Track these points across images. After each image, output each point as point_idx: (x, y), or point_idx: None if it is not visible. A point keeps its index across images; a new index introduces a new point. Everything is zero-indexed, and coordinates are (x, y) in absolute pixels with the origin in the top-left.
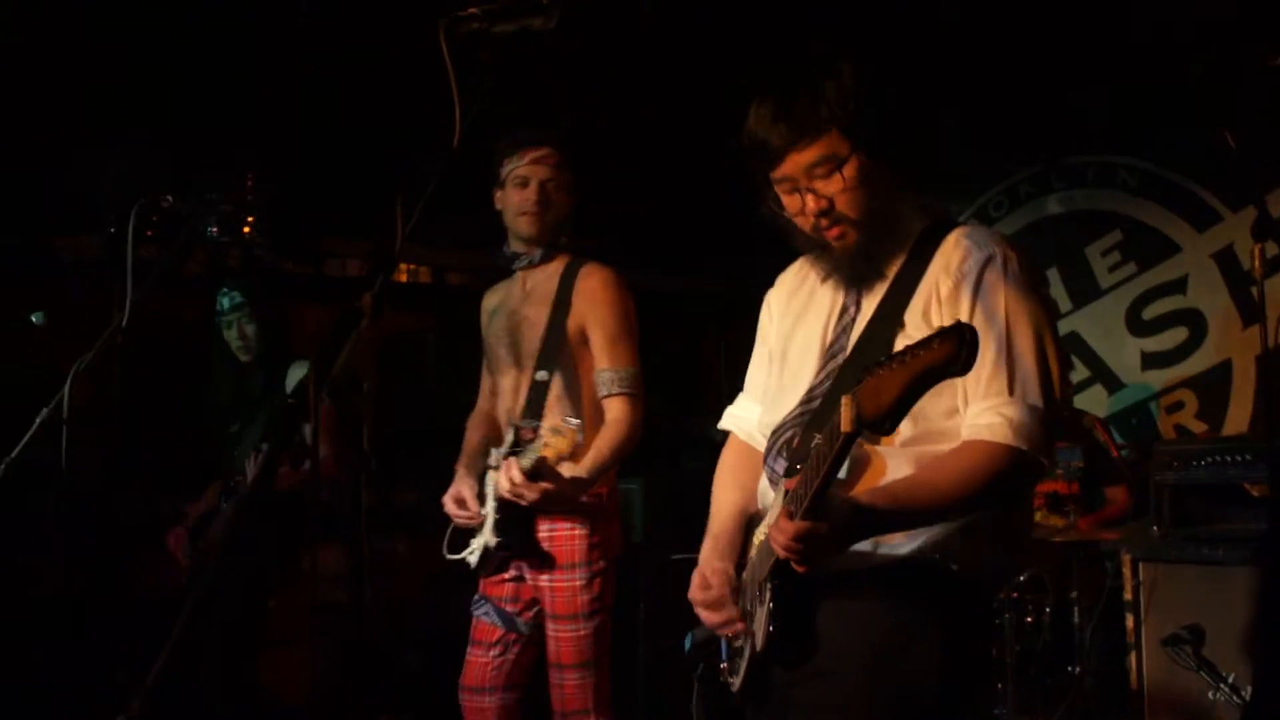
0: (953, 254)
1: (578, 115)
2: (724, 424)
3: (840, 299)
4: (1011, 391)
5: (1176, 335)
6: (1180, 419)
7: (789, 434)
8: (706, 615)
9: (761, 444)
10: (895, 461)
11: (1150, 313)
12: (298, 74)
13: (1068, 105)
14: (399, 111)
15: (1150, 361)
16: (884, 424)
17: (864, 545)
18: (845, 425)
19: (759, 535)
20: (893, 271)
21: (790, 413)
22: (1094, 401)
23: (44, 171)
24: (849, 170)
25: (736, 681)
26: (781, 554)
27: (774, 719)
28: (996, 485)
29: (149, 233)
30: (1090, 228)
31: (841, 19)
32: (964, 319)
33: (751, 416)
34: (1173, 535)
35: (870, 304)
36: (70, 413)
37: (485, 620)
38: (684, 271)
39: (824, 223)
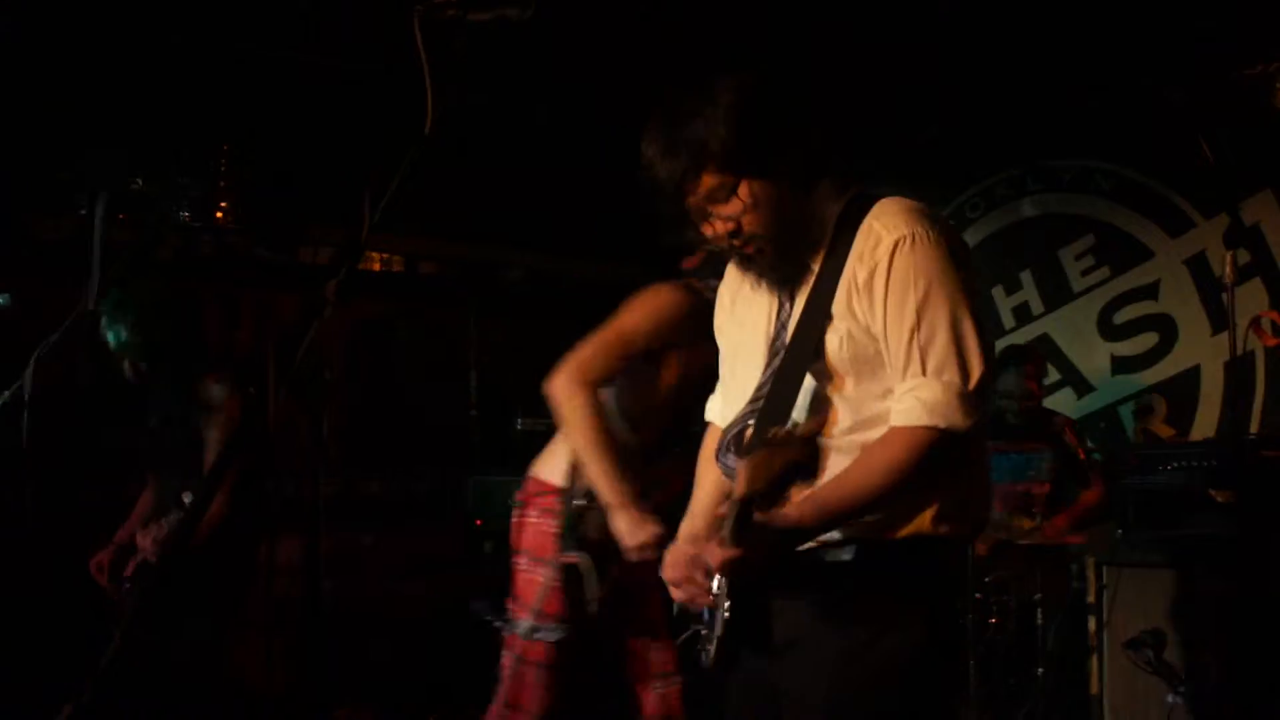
0: (865, 241)
1: (552, 105)
2: (707, 414)
3: (776, 294)
4: (925, 371)
5: (1147, 340)
6: (1149, 424)
7: (738, 429)
8: (674, 593)
9: None
10: (837, 455)
11: (1121, 317)
12: (274, 59)
13: (1045, 109)
14: (376, 98)
15: (1120, 366)
16: (758, 498)
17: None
18: (740, 489)
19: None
20: (817, 264)
21: (741, 410)
22: (1063, 404)
23: (23, 152)
24: (742, 192)
25: (710, 652)
26: (719, 573)
27: (753, 694)
28: (920, 468)
29: (121, 216)
30: (1064, 231)
31: (816, 18)
32: (878, 305)
33: (720, 408)
34: (1137, 539)
35: (800, 300)
36: (33, 395)
37: None
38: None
39: (736, 243)
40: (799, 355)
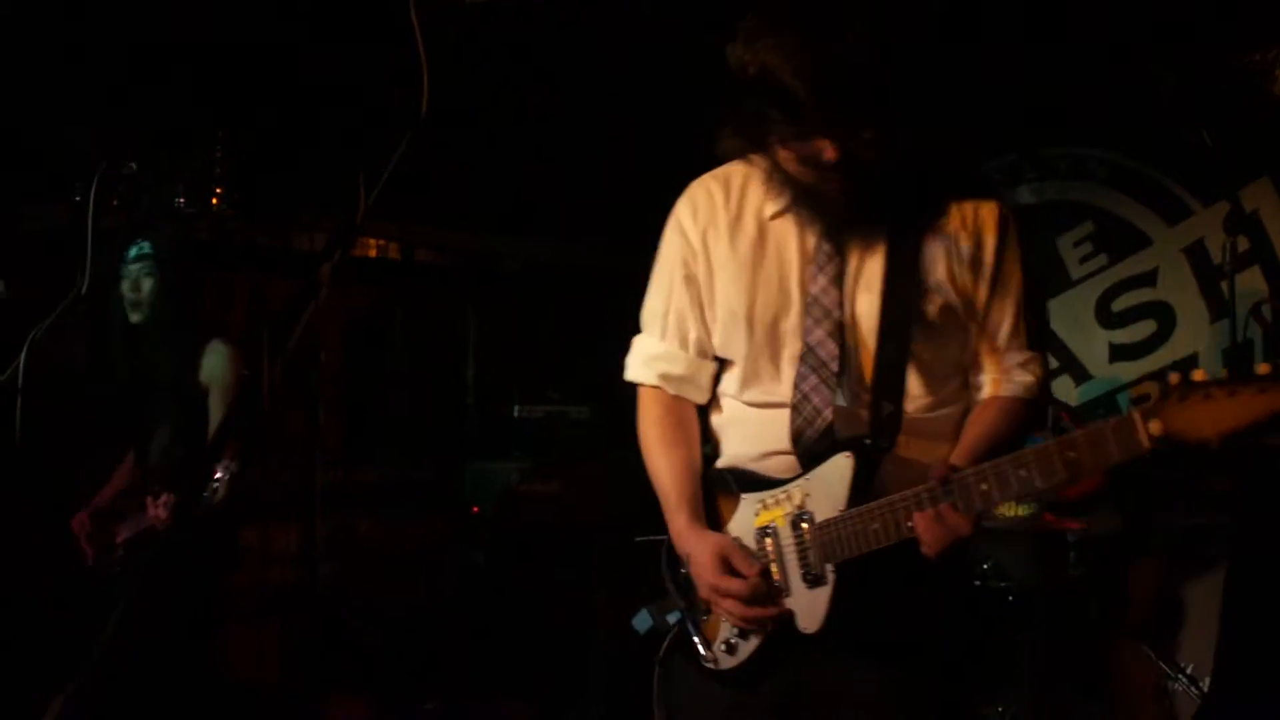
0: (962, 211)
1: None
2: (643, 377)
3: (811, 241)
4: (1032, 345)
5: (1145, 328)
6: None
7: (812, 401)
8: (734, 606)
9: (697, 397)
10: (916, 435)
11: (1120, 305)
12: (270, 43)
13: (1042, 96)
14: (373, 83)
15: (1119, 353)
16: (1224, 447)
17: None
18: (1139, 443)
19: (769, 504)
20: (884, 224)
21: (795, 377)
22: (1062, 392)
23: (14, 138)
24: (873, 129)
25: (730, 661)
26: (936, 547)
27: (785, 694)
28: (1026, 438)
29: (113, 201)
30: (1062, 219)
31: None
32: (986, 277)
33: (678, 366)
34: (1136, 527)
35: (868, 259)
36: (26, 382)
37: None
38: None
39: (838, 173)
40: (899, 330)
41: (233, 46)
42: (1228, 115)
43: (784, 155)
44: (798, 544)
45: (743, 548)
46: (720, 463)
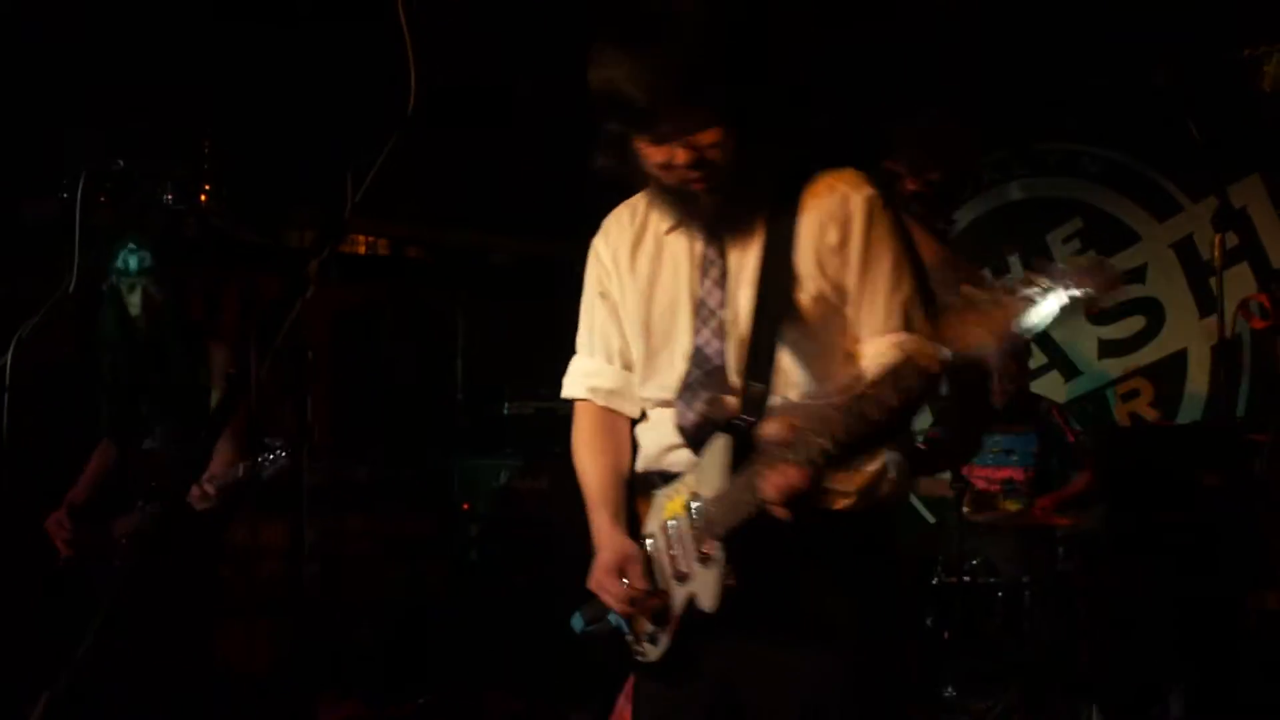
0: (829, 200)
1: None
2: (575, 392)
3: (698, 249)
4: (908, 327)
5: (1134, 324)
6: (1135, 407)
7: (702, 391)
8: (620, 607)
9: (628, 409)
10: None
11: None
12: (259, 38)
13: (1032, 92)
14: (361, 79)
15: (1107, 349)
16: (989, 349)
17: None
18: (932, 362)
19: (671, 496)
20: (759, 221)
21: (681, 373)
22: (1051, 388)
23: (3, 135)
24: (718, 123)
25: (655, 651)
26: (779, 499)
27: (720, 678)
28: (923, 400)
29: (102, 198)
30: (1052, 214)
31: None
32: (853, 263)
33: (605, 379)
34: (1124, 522)
35: (744, 256)
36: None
37: None
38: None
39: (693, 175)
40: (769, 316)
41: (221, 42)
42: (1217, 112)
43: (648, 167)
44: (692, 527)
45: (651, 544)
46: (637, 466)
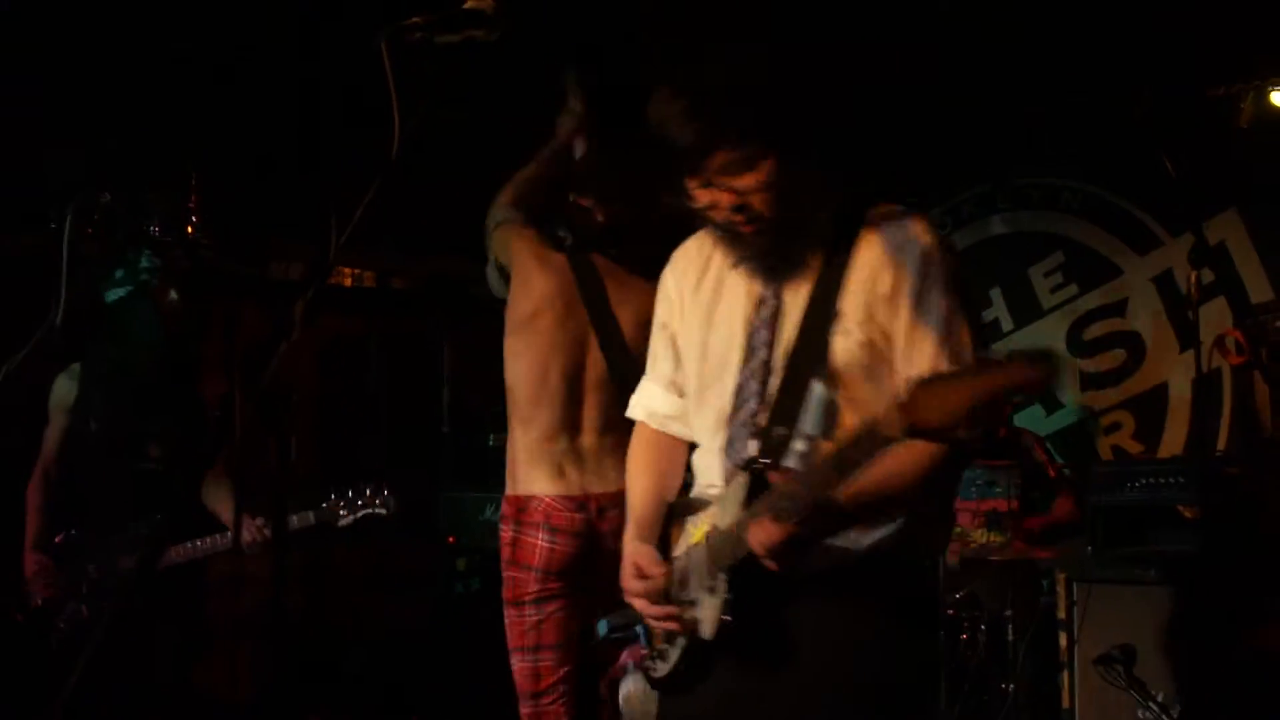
0: (885, 246)
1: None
2: (634, 414)
3: (756, 288)
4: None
5: (1115, 357)
6: (1117, 440)
7: (741, 429)
8: (643, 605)
9: (680, 433)
10: None
11: (1090, 334)
12: (245, 74)
13: (1014, 127)
14: (348, 113)
15: (1089, 382)
16: (948, 431)
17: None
18: (892, 430)
19: (698, 524)
20: (815, 262)
21: (727, 409)
22: (1032, 421)
23: None
24: (762, 167)
25: (663, 668)
26: (761, 553)
27: (717, 709)
28: (944, 475)
29: (88, 230)
30: (1033, 249)
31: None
32: (903, 311)
33: (661, 404)
34: (1107, 555)
35: (795, 296)
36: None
37: None
38: None
39: (739, 218)
40: (806, 357)
41: (209, 74)
42: (1194, 147)
43: (698, 205)
44: (705, 557)
45: (675, 566)
46: (689, 494)
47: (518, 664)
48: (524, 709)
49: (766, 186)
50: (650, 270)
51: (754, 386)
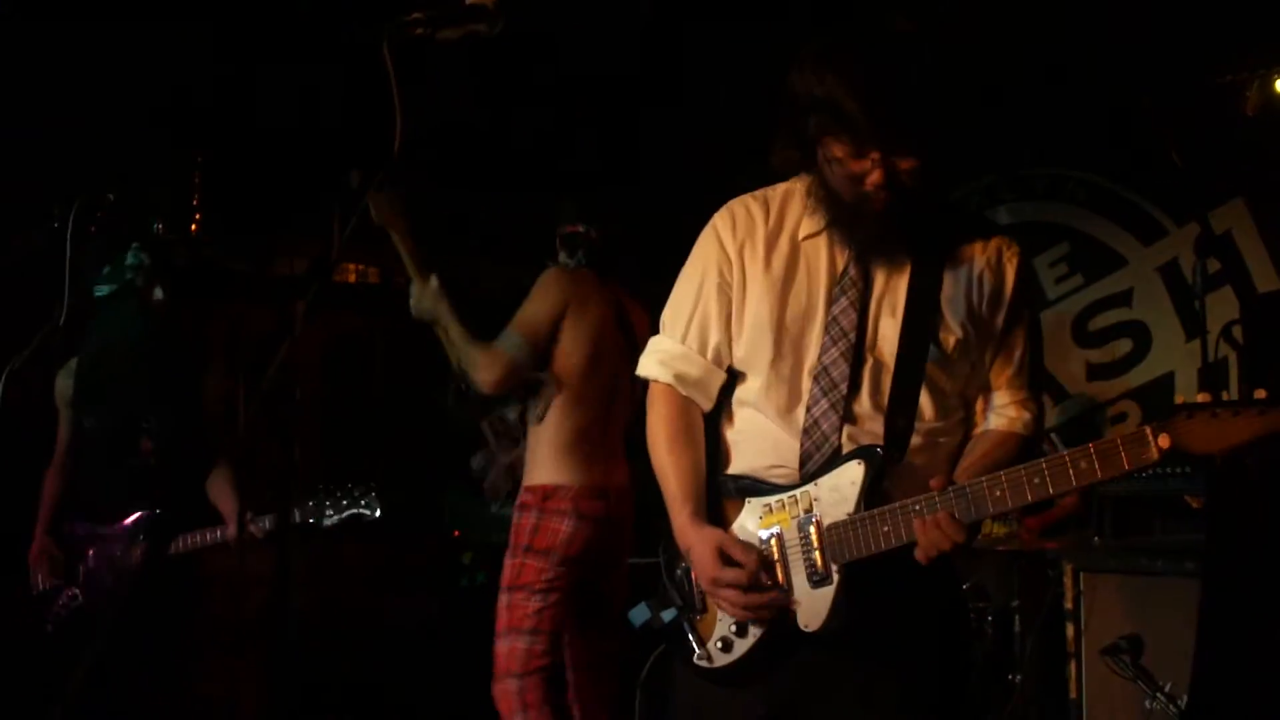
0: (986, 250)
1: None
2: (657, 374)
3: (839, 262)
4: (1032, 384)
5: (1121, 347)
6: (1123, 430)
7: (829, 412)
8: (733, 594)
9: (704, 403)
10: (920, 453)
11: (1096, 324)
12: (249, 70)
13: (1018, 118)
14: (352, 109)
15: (1096, 372)
16: (1224, 462)
17: None
18: (1153, 454)
19: (775, 508)
20: (906, 252)
21: (807, 388)
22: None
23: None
24: (918, 159)
25: (724, 658)
26: (931, 551)
27: (790, 699)
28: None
29: (92, 229)
30: (1039, 239)
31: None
32: (1002, 314)
33: (694, 368)
34: (1113, 546)
35: (890, 280)
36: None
37: None
38: None
39: (881, 195)
40: (916, 352)
41: (213, 73)
42: (1200, 136)
43: (830, 173)
44: (803, 546)
45: (744, 544)
46: (730, 469)
47: (508, 645)
48: (503, 687)
49: (919, 171)
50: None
51: (843, 368)
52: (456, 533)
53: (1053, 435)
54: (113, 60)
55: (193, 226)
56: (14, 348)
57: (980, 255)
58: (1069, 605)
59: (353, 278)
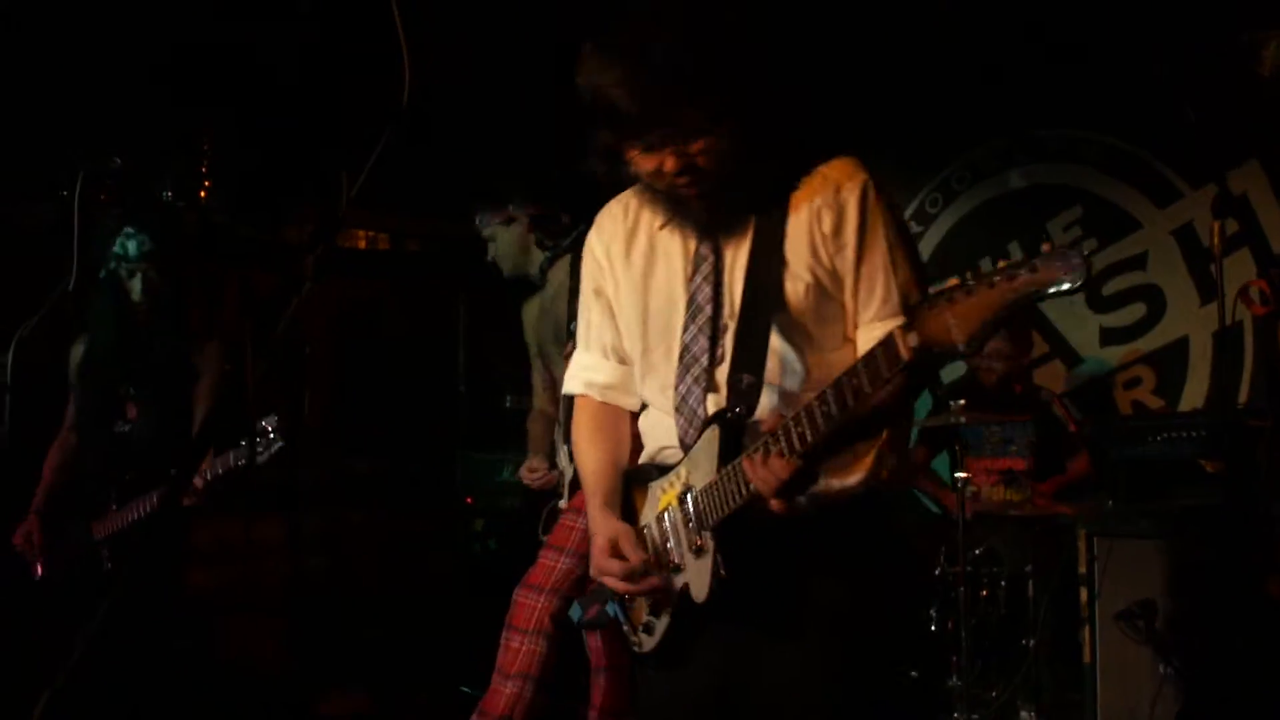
0: (822, 188)
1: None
2: (573, 388)
3: (691, 246)
4: (906, 311)
5: (1135, 311)
6: (1137, 394)
7: (694, 387)
8: (621, 584)
9: (623, 402)
10: (793, 403)
11: (1110, 288)
12: (257, 35)
13: (1032, 79)
14: (360, 73)
15: (1109, 337)
16: (969, 347)
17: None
18: (904, 353)
19: (666, 488)
20: (753, 215)
21: (675, 369)
22: (1052, 376)
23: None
24: (722, 130)
25: (650, 642)
26: (769, 491)
27: (719, 672)
28: (912, 401)
29: (102, 196)
30: (1052, 202)
31: None
32: (849, 248)
33: (601, 374)
34: (1127, 510)
35: (737, 250)
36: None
37: None
38: None
39: (682, 180)
40: (759, 308)
41: (218, 40)
42: (1216, 97)
43: (640, 171)
44: (685, 520)
45: (646, 535)
46: (640, 461)
47: (543, 560)
48: (525, 598)
49: (718, 148)
50: None
51: (702, 343)
52: (469, 499)
53: (1064, 399)
54: (121, 28)
55: (201, 193)
56: (25, 318)
57: (819, 194)
58: (1082, 570)
59: (363, 244)
